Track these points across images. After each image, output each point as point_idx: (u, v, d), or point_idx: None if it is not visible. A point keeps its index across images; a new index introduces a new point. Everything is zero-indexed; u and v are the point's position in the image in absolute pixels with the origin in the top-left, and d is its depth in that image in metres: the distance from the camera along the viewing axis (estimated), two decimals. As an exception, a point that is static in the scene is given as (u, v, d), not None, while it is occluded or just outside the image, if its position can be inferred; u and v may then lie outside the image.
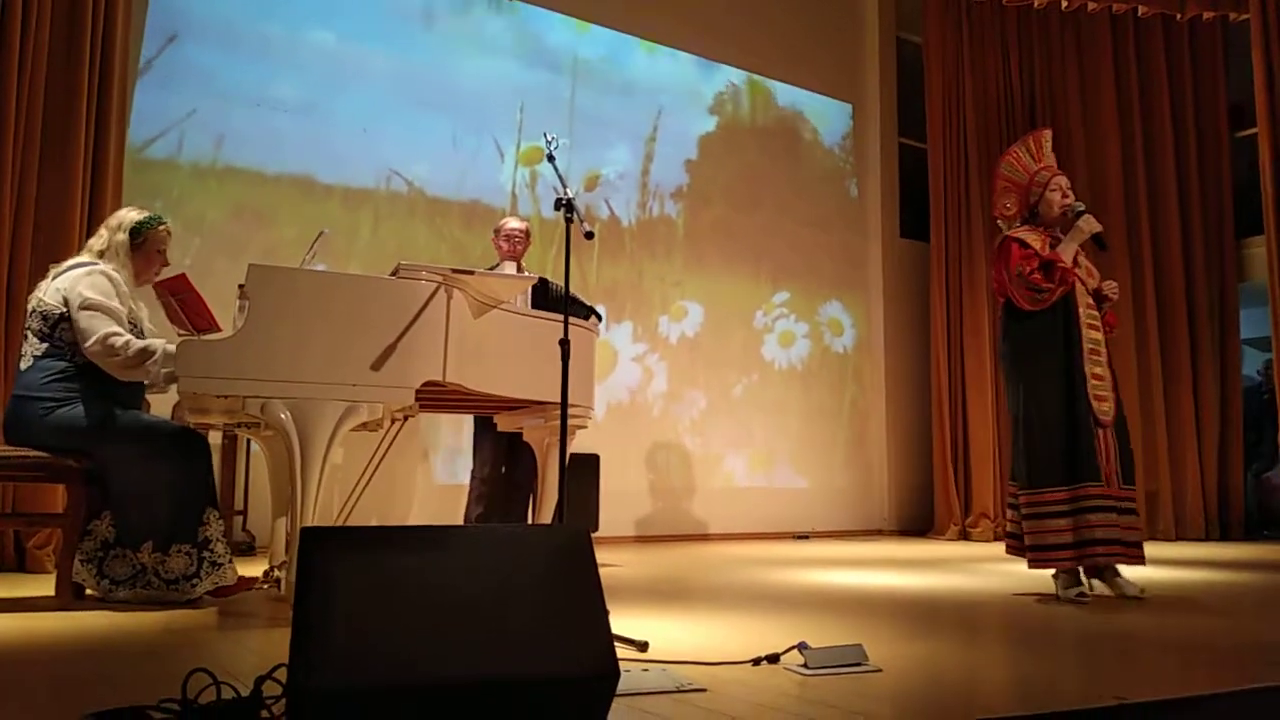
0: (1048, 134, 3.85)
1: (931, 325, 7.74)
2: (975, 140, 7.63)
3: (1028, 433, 3.52)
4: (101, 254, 3.20)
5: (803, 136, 7.88)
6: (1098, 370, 3.51)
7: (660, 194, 6.99)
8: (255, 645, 2.39)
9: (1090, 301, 3.59)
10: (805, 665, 2.04)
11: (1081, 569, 3.48)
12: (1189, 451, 7.27)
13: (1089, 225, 3.56)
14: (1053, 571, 3.53)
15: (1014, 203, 3.74)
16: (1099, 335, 3.57)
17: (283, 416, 2.85)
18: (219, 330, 3.42)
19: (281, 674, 1.45)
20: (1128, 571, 3.52)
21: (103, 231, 3.27)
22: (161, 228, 3.30)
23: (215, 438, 4.71)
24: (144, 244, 3.25)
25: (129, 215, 3.28)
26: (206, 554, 3.06)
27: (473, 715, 1.45)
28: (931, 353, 7.72)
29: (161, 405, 4.17)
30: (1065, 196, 3.64)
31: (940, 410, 7.54)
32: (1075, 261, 3.57)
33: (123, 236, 3.22)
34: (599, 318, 4.85)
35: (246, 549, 4.82)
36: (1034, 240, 3.58)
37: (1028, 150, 3.76)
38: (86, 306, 3.01)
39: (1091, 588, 3.46)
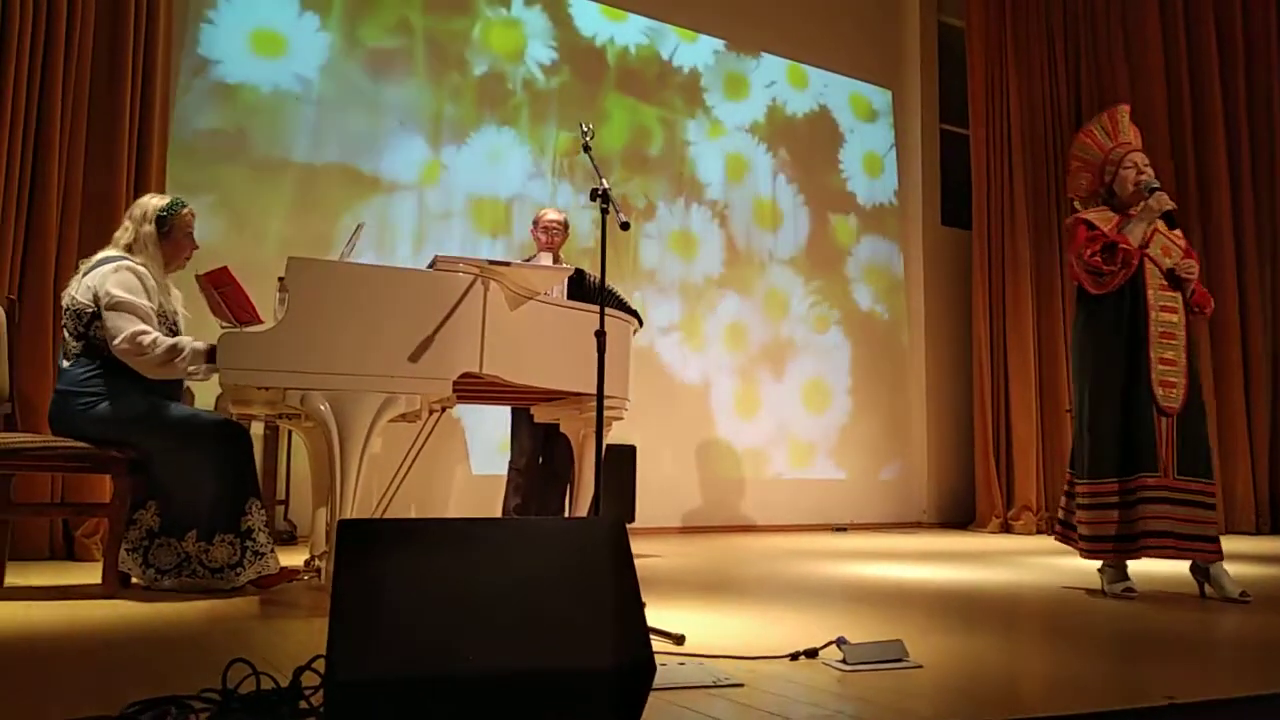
0: (1125, 109, 3.68)
1: (973, 315, 7.62)
2: (1019, 126, 7.49)
3: (1091, 419, 3.44)
4: (129, 248, 3.19)
5: (842, 123, 7.79)
6: (1168, 355, 3.37)
7: (698, 182, 6.95)
8: (295, 635, 2.42)
9: (1165, 283, 3.43)
10: (844, 661, 2.01)
11: (1190, 570, 3.40)
12: (1239, 442, 7.09)
13: (1159, 203, 3.40)
14: (1099, 565, 3.47)
15: (1088, 183, 3.62)
16: (1175, 318, 3.41)
17: (322, 408, 2.88)
18: (261, 322, 3.45)
19: (320, 665, 1.46)
20: (1238, 571, 3.39)
21: (127, 224, 3.25)
22: (185, 210, 3.28)
23: (257, 428, 4.78)
24: (171, 231, 3.24)
25: (151, 203, 3.26)
26: (249, 543, 3.10)
27: (508, 707, 1.45)
28: (973, 342, 7.60)
29: (204, 395, 4.23)
30: (1140, 173, 3.49)
31: (982, 401, 7.43)
32: (1147, 241, 3.43)
33: (149, 228, 3.20)
34: (640, 322, 4.79)
35: (288, 539, 4.89)
36: (1102, 221, 3.46)
37: (1102, 128, 3.62)
38: (113, 306, 3.01)
39: (1204, 593, 3.33)
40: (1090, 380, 3.46)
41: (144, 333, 3.01)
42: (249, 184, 5.36)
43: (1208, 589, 3.33)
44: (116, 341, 3.00)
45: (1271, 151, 7.59)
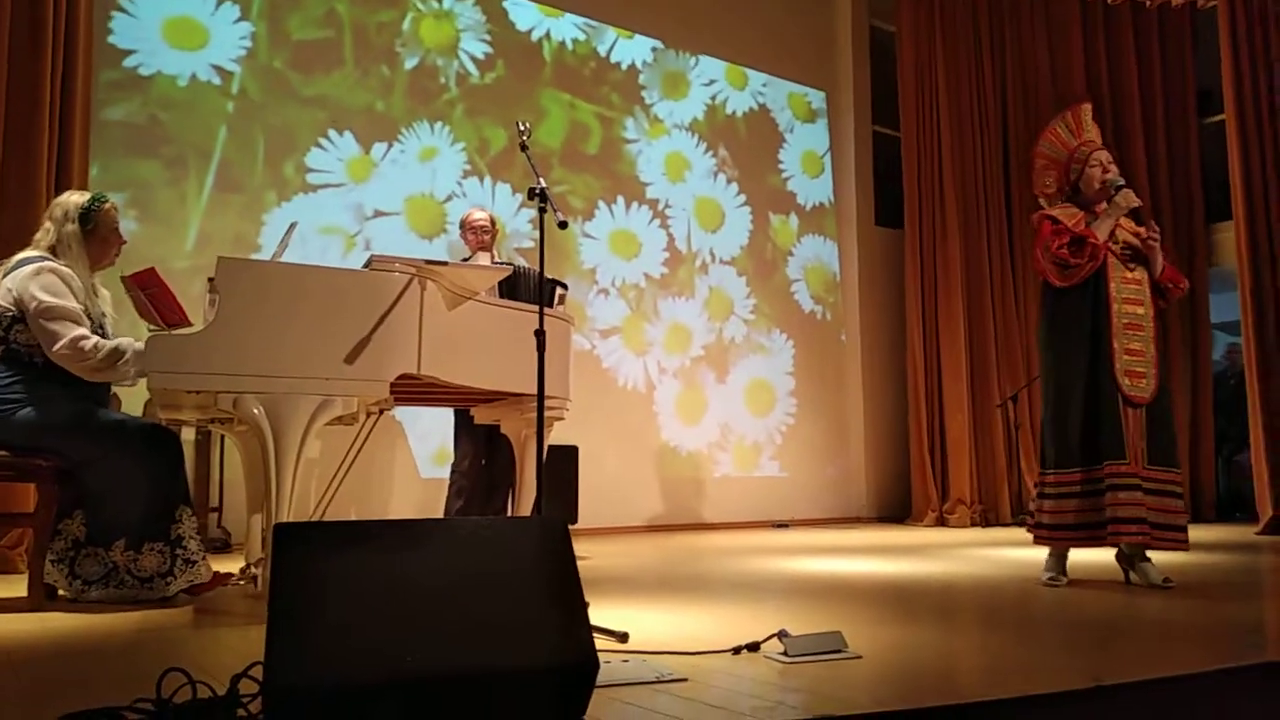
0: (1087, 108, 3.75)
1: (906, 313, 7.78)
2: (948, 127, 7.66)
3: (1055, 411, 3.51)
4: (52, 249, 3.05)
5: (776, 124, 7.88)
6: (1134, 345, 3.43)
7: (638, 182, 6.96)
8: (231, 643, 2.37)
9: (1131, 276, 3.49)
10: (785, 653, 2.04)
11: (1116, 558, 3.49)
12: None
13: (1126, 200, 3.47)
14: (1048, 552, 3.55)
15: (1053, 180, 3.68)
16: (1141, 310, 3.47)
17: (256, 411, 2.82)
18: (189, 325, 3.37)
19: (258, 672, 1.43)
20: (1160, 557, 3.46)
21: (48, 225, 3.10)
22: (108, 205, 3.16)
23: (189, 434, 4.66)
24: (96, 228, 3.11)
25: (72, 200, 3.12)
26: (180, 551, 3.02)
27: (451, 708, 1.44)
28: (907, 340, 7.76)
29: (132, 401, 4.12)
30: (1106, 171, 3.56)
31: (916, 398, 7.58)
32: (1113, 236, 3.49)
33: (72, 227, 3.07)
34: (564, 287, 4.77)
35: (222, 546, 4.77)
36: (1067, 218, 3.53)
37: (1066, 126, 3.69)
38: (44, 313, 2.90)
39: (1129, 579, 3.43)
40: (1056, 374, 3.53)
41: (84, 338, 2.91)
42: (164, 180, 5.18)
43: (1133, 576, 3.44)
44: (56, 348, 2.90)
45: (1187, 148, 7.87)
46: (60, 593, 3.02)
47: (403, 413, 5.63)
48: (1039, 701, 1.71)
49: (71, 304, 2.96)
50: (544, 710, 1.50)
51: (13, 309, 2.94)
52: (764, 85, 7.81)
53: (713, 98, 7.50)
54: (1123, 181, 3.54)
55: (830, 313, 7.97)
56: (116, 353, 2.93)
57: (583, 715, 1.52)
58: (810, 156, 8.06)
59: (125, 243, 3.27)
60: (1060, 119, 3.75)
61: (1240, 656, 2.14)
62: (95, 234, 3.12)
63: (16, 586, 3.10)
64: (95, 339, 2.94)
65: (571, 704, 1.53)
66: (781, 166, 7.85)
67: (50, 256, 3.05)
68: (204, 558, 3.09)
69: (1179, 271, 3.62)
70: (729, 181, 7.48)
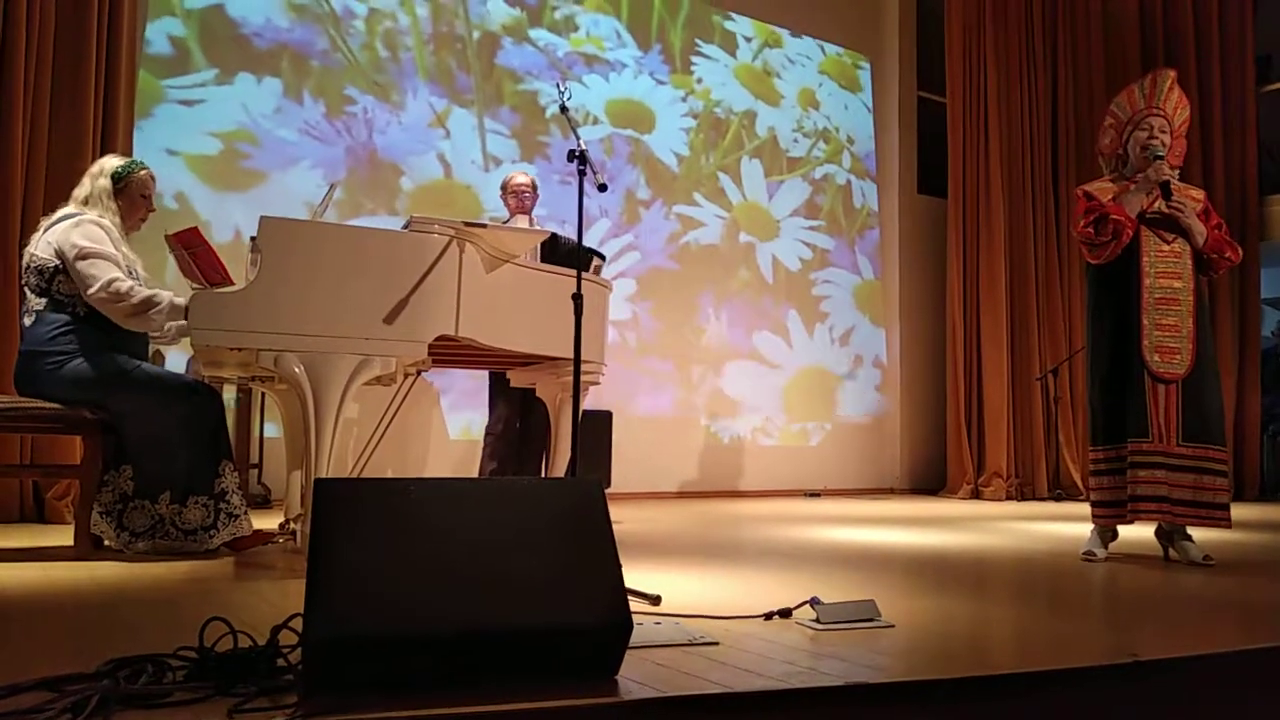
0: (1169, 73, 3.57)
1: (947, 282, 7.67)
2: (996, 95, 7.49)
3: (1088, 386, 3.53)
4: (86, 202, 3.18)
5: (819, 89, 7.75)
6: (1167, 320, 3.35)
7: (674, 146, 6.90)
8: (271, 596, 2.41)
9: (1167, 249, 3.38)
10: (817, 620, 2.04)
11: (1155, 535, 3.47)
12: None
13: (1156, 173, 3.36)
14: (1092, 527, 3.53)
15: (1109, 141, 3.58)
16: (1179, 284, 3.36)
17: (296, 370, 2.86)
18: (232, 284, 3.41)
19: (297, 624, 1.46)
20: (1201, 535, 3.42)
21: (85, 180, 3.25)
22: (143, 171, 3.29)
23: (229, 394, 4.74)
24: (126, 189, 3.24)
25: (109, 161, 3.28)
26: (223, 506, 3.09)
27: (485, 665, 1.46)
28: (947, 310, 7.65)
29: (176, 359, 4.19)
30: (1152, 138, 3.42)
31: (955, 368, 7.49)
32: (1147, 210, 3.38)
33: (105, 182, 3.20)
34: (602, 258, 4.78)
35: (262, 502, 4.86)
36: (1100, 193, 3.44)
37: (1141, 89, 3.55)
38: (83, 256, 3.00)
39: (1168, 556, 3.40)
40: (1090, 349, 3.53)
41: (119, 280, 3.00)
42: (160, 131, 5.07)
43: (1172, 553, 3.40)
44: (93, 290, 2.97)
45: (1243, 117, 7.64)
46: (106, 543, 3.10)
47: (438, 379, 5.67)
48: (1074, 675, 1.70)
49: (110, 250, 3.05)
50: (577, 668, 1.52)
51: (55, 260, 3.03)
52: (805, 50, 7.66)
53: (751, 61, 7.37)
54: (1162, 152, 3.40)
55: (868, 280, 7.87)
56: (150, 302, 2.99)
57: (615, 674, 1.54)
58: (851, 122, 7.92)
59: (154, 210, 3.39)
60: (1138, 81, 3.62)
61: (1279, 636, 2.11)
62: (125, 193, 3.24)
63: (64, 536, 3.19)
64: (131, 283, 3.02)
65: (604, 663, 1.54)
66: (821, 131, 7.71)
67: (85, 210, 3.15)
68: (246, 512, 3.16)
69: (1228, 241, 3.47)
70: (768, 144, 7.37)
